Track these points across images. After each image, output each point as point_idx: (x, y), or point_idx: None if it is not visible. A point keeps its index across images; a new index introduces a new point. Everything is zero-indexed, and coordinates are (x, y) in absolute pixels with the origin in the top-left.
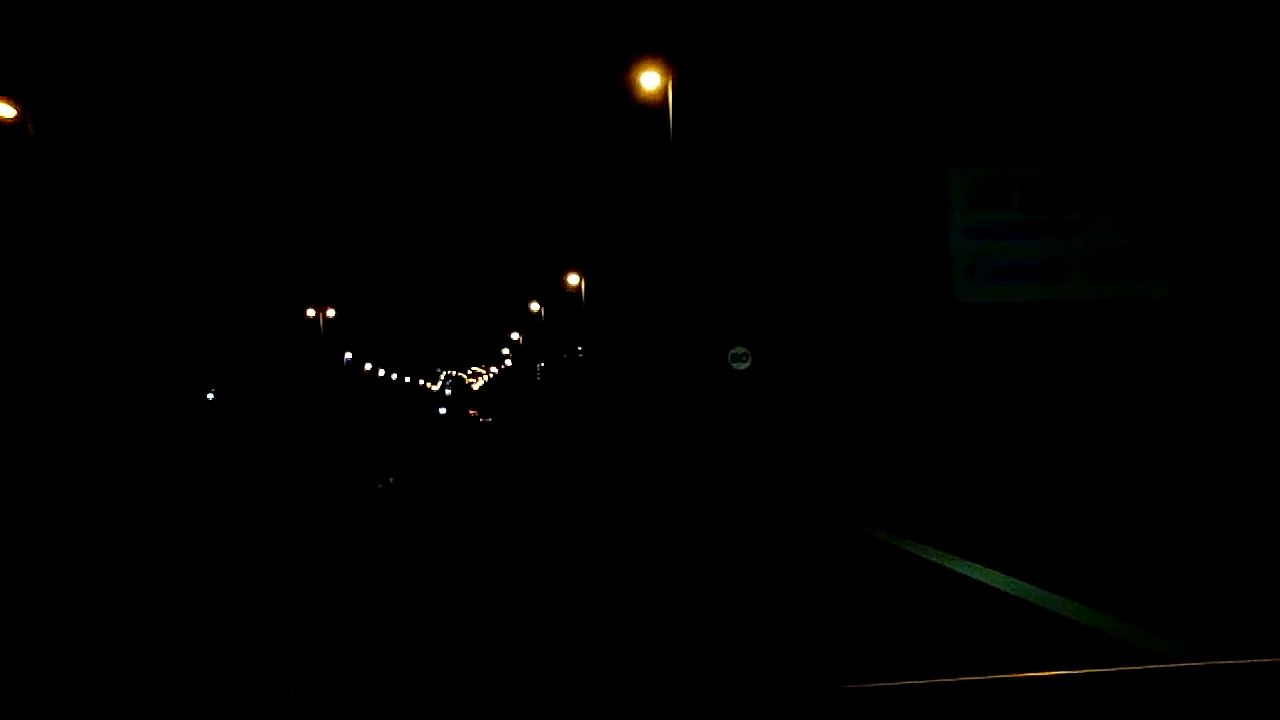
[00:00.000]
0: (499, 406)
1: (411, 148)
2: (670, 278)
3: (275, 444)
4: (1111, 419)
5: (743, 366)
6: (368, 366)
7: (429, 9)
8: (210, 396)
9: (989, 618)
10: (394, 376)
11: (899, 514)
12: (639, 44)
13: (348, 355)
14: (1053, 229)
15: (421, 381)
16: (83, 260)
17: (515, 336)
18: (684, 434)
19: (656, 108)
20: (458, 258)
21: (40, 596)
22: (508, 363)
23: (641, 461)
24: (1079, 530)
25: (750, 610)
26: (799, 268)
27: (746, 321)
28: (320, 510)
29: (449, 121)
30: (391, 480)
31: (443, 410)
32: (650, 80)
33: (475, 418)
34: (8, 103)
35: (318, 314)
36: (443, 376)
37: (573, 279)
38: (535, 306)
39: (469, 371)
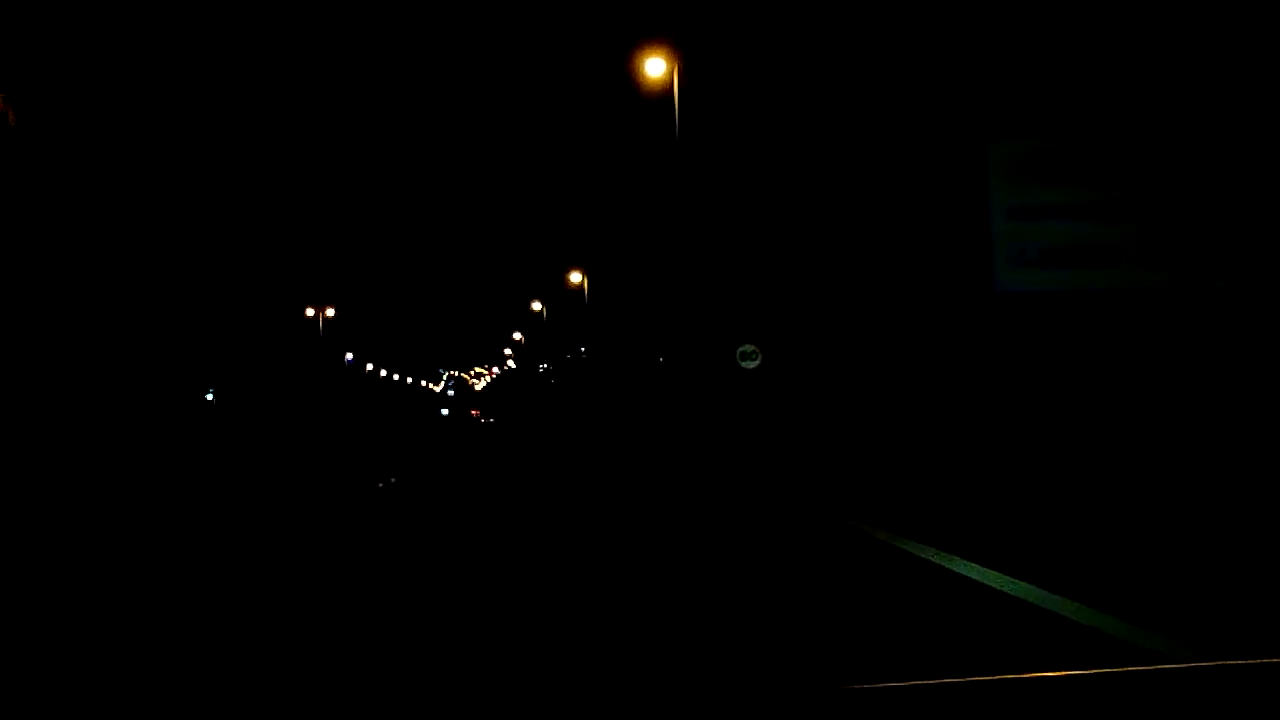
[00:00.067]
0: (501, 407)
1: (412, 145)
2: (676, 274)
3: (274, 445)
4: (1161, 419)
5: (752, 365)
6: (369, 367)
7: (430, 5)
8: (209, 397)
9: (988, 619)
10: (396, 377)
11: (927, 518)
12: (642, 30)
13: (349, 355)
14: (1103, 210)
15: (424, 382)
16: (81, 259)
17: (517, 336)
18: (691, 436)
19: (661, 97)
20: (459, 256)
21: (33, 596)
22: (510, 364)
23: (647, 463)
24: (1118, 533)
25: (753, 613)
26: (814, 261)
27: (756, 319)
28: (318, 512)
29: (450, 118)
30: (393, 480)
31: (445, 411)
32: (655, 67)
33: (478, 418)
34: None
35: (317, 313)
36: (445, 377)
37: (575, 277)
38: (537, 306)
39: (472, 372)
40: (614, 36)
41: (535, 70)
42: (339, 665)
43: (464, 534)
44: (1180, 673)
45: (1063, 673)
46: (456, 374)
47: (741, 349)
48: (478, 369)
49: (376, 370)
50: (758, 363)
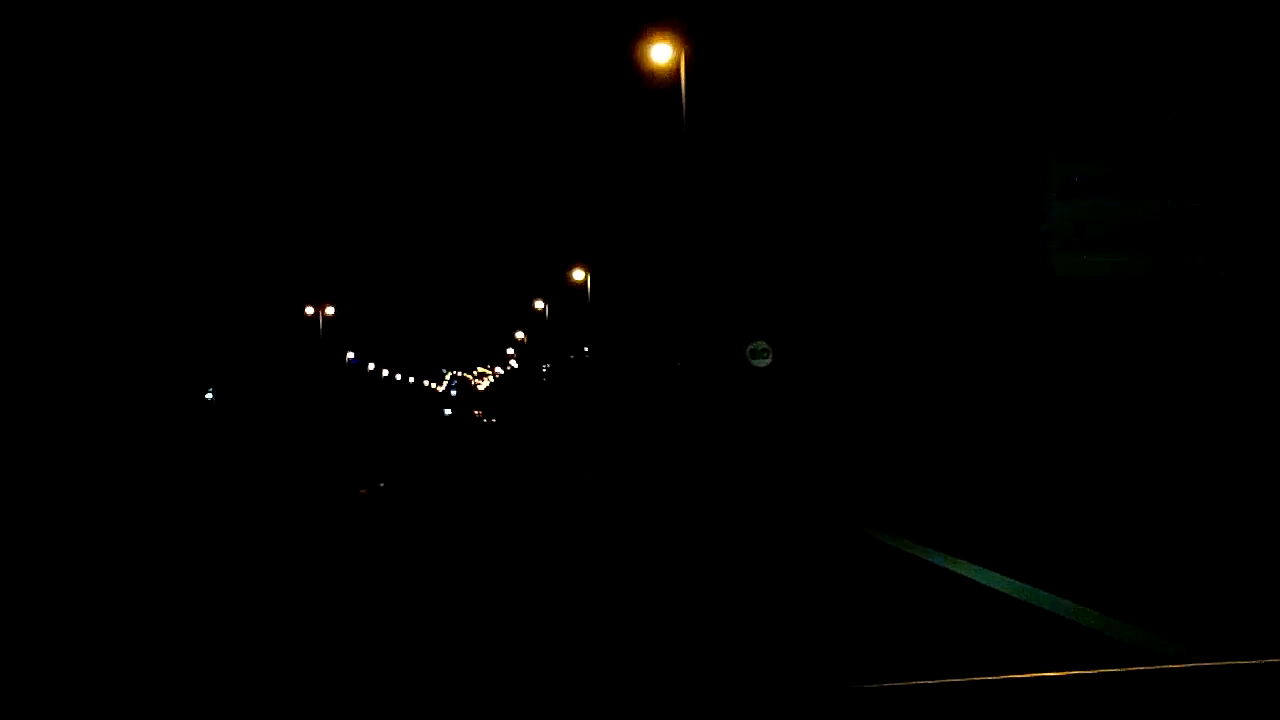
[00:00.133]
0: (504, 408)
1: (412, 140)
2: (683, 269)
3: (273, 445)
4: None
5: (763, 363)
6: (371, 366)
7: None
8: (209, 396)
9: (987, 622)
10: (398, 377)
11: (949, 521)
12: (646, 17)
13: (350, 355)
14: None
15: (427, 382)
16: (80, 258)
17: (519, 336)
18: (699, 438)
19: (667, 87)
20: (461, 255)
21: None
22: (512, 363)
23: (653, 465)
24: (1152, 537)
25: (758, 614)
26: (831, 253)
27: (768, 315)
28: (316, 513)
29: (450, 112)
30: (394, 480)
31: (448, 411)
32: (661, 54)
33: (480, 419)
34: None
35: (317, 311)
36: (448, 377)
37: (578, 274)
38: (540, 304)
39: (474, 372)
40: (616, 23)
41: (536, 61)
42: (323, 670)
43: (464, 535)
44: (1180, 673)
45: (1063, 673)
46: (459, 374)
47: (752, 346)
48: (480, 369)
49: (378, 370)
50: (769, 360)
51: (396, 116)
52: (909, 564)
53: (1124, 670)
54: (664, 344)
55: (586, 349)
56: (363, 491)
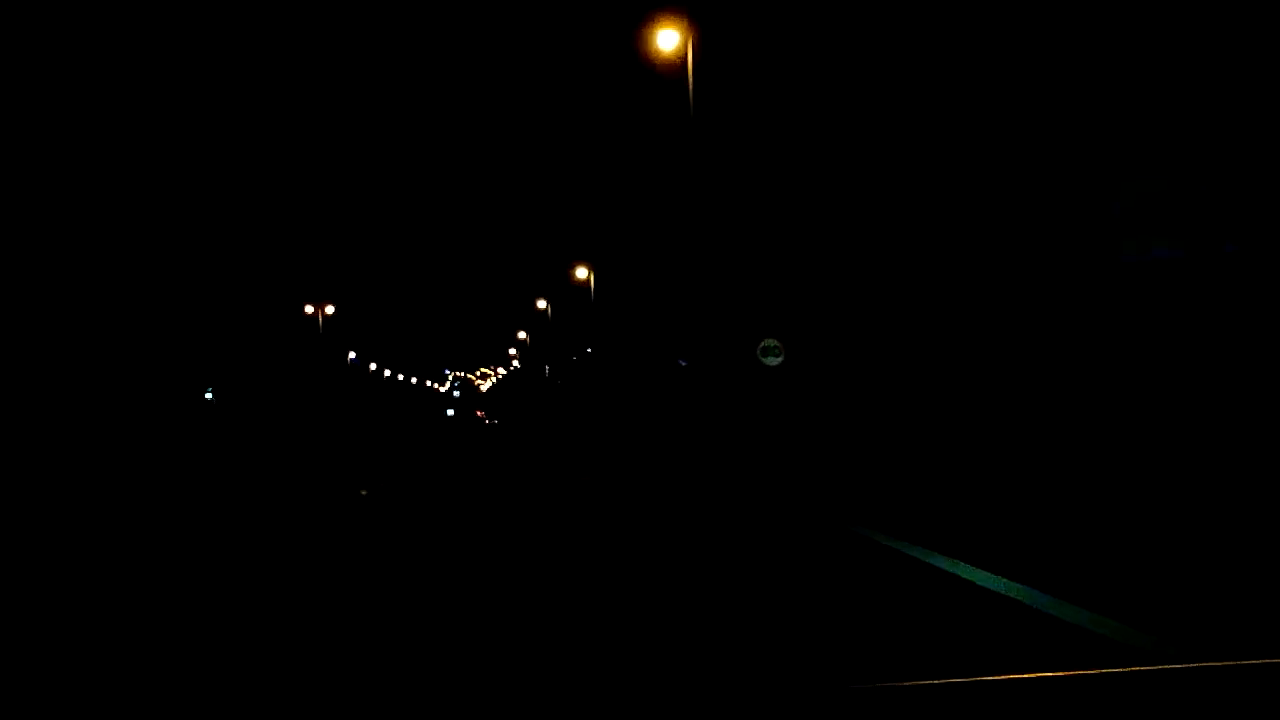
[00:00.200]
0: (506, 408)
1: (414, 137)
2: (690, 265)
3: (273, 445)
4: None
5: (775, 362)
6: (373, 367)
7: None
8: (209, 396)
9: (987, 623)
10: (400, 377)
11: (965, 523)
12: (652, 5)
13: (352, 355)
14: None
15: (429, 383)
16: (80, 258)
17: (522, 336)
18: (708, 439)
19: (673, 76)
20: (463, 254)
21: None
22: (515, 364)
23: (658, 468)
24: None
25: (759, 615)
26: (846, 248)
27: (779, 312)
28: (316, 513)
29: (452, 108)
30: (393, 481)
31: (450, 412)
32: (668, 40)
33: (482, 419)
34: None
35: (316, 310)
36: (450, 378)
37: (581, 272)
38: (542, 304)
39: (477, 373)
40: (620, 12)
41: (538, 53)
42: (323, 670)
43: (463, 535)
44: (1180, 673)
45: (1063, 673)
46: (462, 374)
47: (764, 344)
48: (483, 369)
49: (380, 370)
50: (781, 359)
51: (397, 114)
52: (909, 566)
53: (1124, 670)
54: (669, 343)
55: (590, 349)
56: (364, 492)
